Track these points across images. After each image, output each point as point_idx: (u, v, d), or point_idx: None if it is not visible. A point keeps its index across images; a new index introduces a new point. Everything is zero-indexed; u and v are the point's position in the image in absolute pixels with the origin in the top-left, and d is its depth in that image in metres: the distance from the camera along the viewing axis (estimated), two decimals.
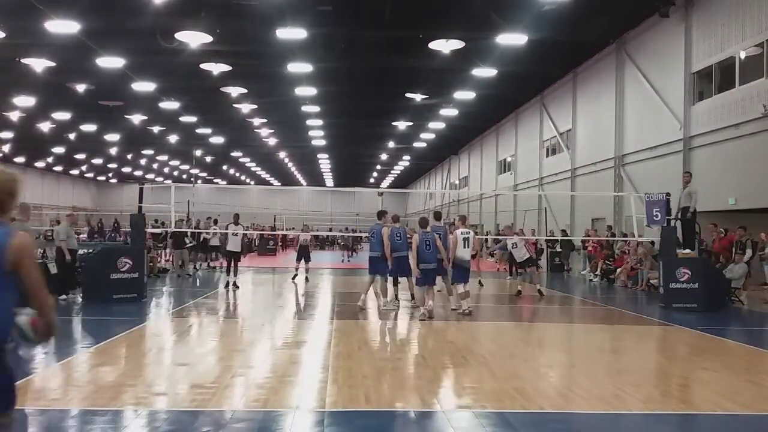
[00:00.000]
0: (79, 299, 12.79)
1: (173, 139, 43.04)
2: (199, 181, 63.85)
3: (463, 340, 9.45)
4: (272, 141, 44.55)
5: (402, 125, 37.25)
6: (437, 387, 6.57)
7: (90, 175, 69.03)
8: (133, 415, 5.28)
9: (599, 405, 5.85)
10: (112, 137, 42.56)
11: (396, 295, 12.87)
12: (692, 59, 18.92)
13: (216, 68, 24.24)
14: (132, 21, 18.58)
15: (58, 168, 61.01)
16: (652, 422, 5.54)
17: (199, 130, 39.84)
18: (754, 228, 15.06)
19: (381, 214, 12.72)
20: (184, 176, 64.23)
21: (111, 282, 12.42)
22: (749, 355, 8.67)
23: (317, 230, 38.94)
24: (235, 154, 52.41)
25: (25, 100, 30.38)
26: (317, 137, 42.13)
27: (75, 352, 7.92)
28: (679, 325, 10.92)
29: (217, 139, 43.30)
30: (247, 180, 71.70)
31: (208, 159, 54.73)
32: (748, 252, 14.28)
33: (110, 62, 23.03)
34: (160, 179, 65.16)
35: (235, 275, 16.15)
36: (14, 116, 34.29)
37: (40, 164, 57.23)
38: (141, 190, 15.34)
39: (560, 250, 23.97)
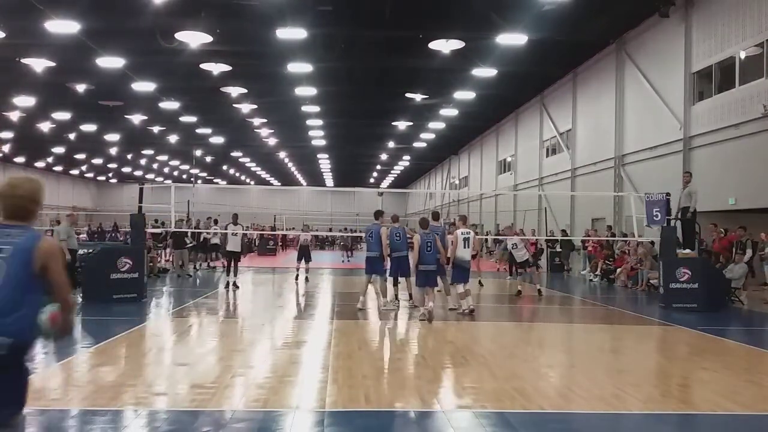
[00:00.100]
0: (79, 299, 12.78)
1: (173, 139, 43.04)
2: (199, 181, 63.85)
3: (463, 340, 9.45)
4: (272, 141, 44.56)
5: (402, 125, 37.25)
6: (437, 387, 6.57)
7: (90, 175, 69.05)
8: (133, 415, 5.28)
9: (599, 405, 5.85)
10: (112, 137, 42.57)
11: (396, 295, 12.88)
12: (692, 59, 18.92)
13: (216, 68, 24.25)
14: (132, 21, 18.59)
15: (58, 168, 61.01)
16: (652, 422, 5.53)
17: (199, 130, 39.84)
18: (754, 228, 15.06)
19: (378, 214, 12.74)
20: (184, 176, 64.23)
21: (111, 282, 12.42)
22: (749, 355, 8.67)
23: (317, 230, 38.97)
24: (235, 154, 52.42)
25: (25, 100, 30.38)
26: (317, 137, 42.14)
27: (75, 352, 7.92)
28: (679, 325, 10.92)
29: (217, 139, 43.31)
30: (247, 180, 71.70)
31: (208, 159, 54.74)
32: (748, 252, 14.27)
33: (110, 62, 23.03)
34: (160, 179, 65.16)
35: (235, 275, 16.15)
36: (14, 116, 34.29)
37: (40, 164, 57.23)
38: (141, 190, 15.34)
39: (560, 250, 23.96)
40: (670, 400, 6.25)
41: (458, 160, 50.83)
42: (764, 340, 10.50)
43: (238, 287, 15.74)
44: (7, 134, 41.03)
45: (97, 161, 57.38)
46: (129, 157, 55.11)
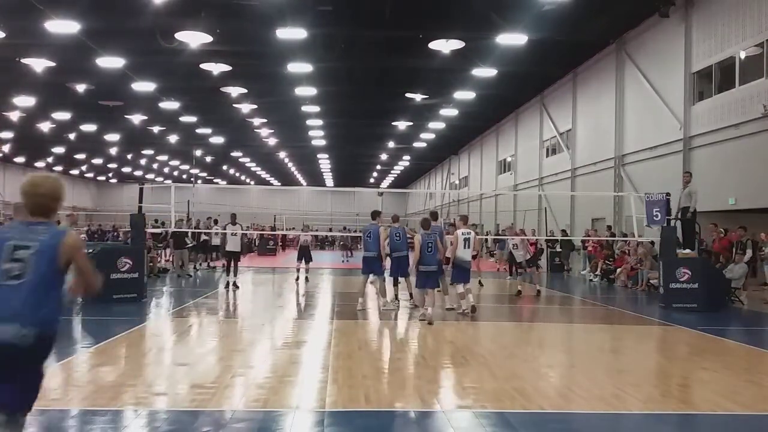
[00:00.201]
0: (79, 299, 12.78)
1: (173, 139, 43.04)
2: (199, 181, 63.84)
3: (463, 340, 9.45)
4: (272, 141, 44.55)
5: (402, 125, 37.25)
6: (437, 387, 6.57)
7: (90, 175, 69.02)
8: (133, 415, 5.28)
9: (599, 405, 5.85)
10: (112, 137, 42.57)
11: (396, 295, 12.88)
12: (692, 59, 18.92)
13: (216, 68, 24.25)
14: (132, 21, 18.59)
15: (58, 168, 60.95)
16: (652, 422, 5.53)
17: (199, 130, 39.84)
18: (754, 228, 15.07)
19: (376, 214, 12.75)
20: (184, 176, 64.22)
21: (111, 282, 12.38)
22: (749, 355, 8.67)
23: (317, 230, 38.92)
24: (235, 154, 52.41)
25: (25, 100, 30.38)
26: (317, 137, 42.14)
27: (75, 352, 7.92)
28: (679, 325, 10.92)
29: (217, 139, 43.31)
30: (247, 180, 71.70)
31: (208, 159, 54.73)
32: (748, 252, 14.27)
33: (110, 62, 23.03)
34: (160, 179, 65.15)
35: (235, 275, 16.15)
36: (14, 116, 34.29)
37: (40, 164, 57.20)
38: (141, 190, 15.34)
39: (560, 250, 23.96)
40: (670, 400, 6.25)
41: (458, 160, 50.82)
42: (764, 340, 10.49)
43: (238, 287, 15.74)
44: (7, 134, 41.02)
45: (97, 161, 57.38)
46: (129, 157, 55.10)
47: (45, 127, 37.64)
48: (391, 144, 45.07)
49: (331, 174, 67.20)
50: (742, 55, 17.01)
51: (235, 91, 28.47)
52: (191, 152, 45.75)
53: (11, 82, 26.95)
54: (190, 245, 19.87)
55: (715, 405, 5.88)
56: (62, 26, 18.75)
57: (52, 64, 23.46)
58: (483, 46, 21.36)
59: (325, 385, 6.27)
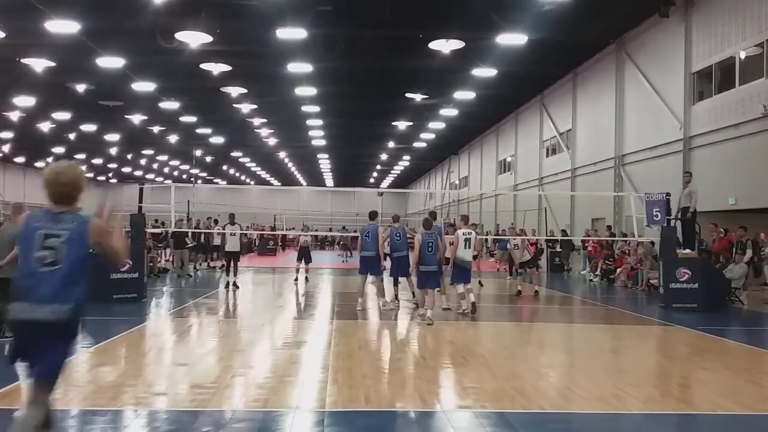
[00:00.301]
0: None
1: (173, 139, 43.03)
2: (199, 181, 63.80)
3: (463, 340, 9.46)
4: (272, 141, 44.54)
5: (402, 125, 37.24)
6: (437, 387, 6.57)
7: (90, 175, 68.96)
8: (133, 415, 5.28)
9: (599, 405, 5.85)
10: (112, 137, 42.56)
11: (396, 295, 12.88)
12: (692, 59, 18.92)
13: (216, 68, 24.24)
14: (132, 21, 18.57)
15: None
16: (652, 422, 5.54)
17: (199, 130, 39.83)
18: (754, 228, 15.07)
19: (374, 215, 12.77)
20: (184, 176, 64.20)
21: (111, 282, 12.40)
22: (749, 355, 8.67)
23: (317, 230, 38.85)
24: (235, 154, 52.40)
25: (25, 100, 30.37)
26: (317, 137, 42.12)
27: (75, 352, 7.91)
28: (679, 325, 10.92)
29: (217, 139, 43.30)
30: (247, 180, 71.69)
31: (208, 159, 54.72)
32: (749, 252, 14.28)
33: (110, 62, 23.02)
34: (160, 179, 65.13)
35: (235, 275, 16.16)
36: (14, 116, 34.28)
37: (40, 164, 57.17)
38: (141, 190, 15.34)
39: (560, 250, 23.97)
40: (670, 400, 6.25)
41: (458, 160, 50.82)
42: (764, 340, 10.49)
43: (238, 287, 15.74)
44: (7, 134, 41.01)
45: (97, 161, 57.35)
46: (129, 157, 55.09)
47: (45, 127, 37.63)
48: (391, 144, 45.06)
49: (331, 174, 67.19)
50: (742, 55, 17.00)
51: (235, 91, 28.46)
52: (191, 152, 45.75)
53: (11, 82, 26.94)
54: (191, 245, 19.87)
55: (715, 405, 5.89)
56: (62, 26, 18.74)
57: (52, 64, 23.45)
58: (483, 46, 21.35)
59: (325, 385, 6.27)
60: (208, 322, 11.16)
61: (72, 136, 41.66)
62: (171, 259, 21.22)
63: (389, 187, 72.29)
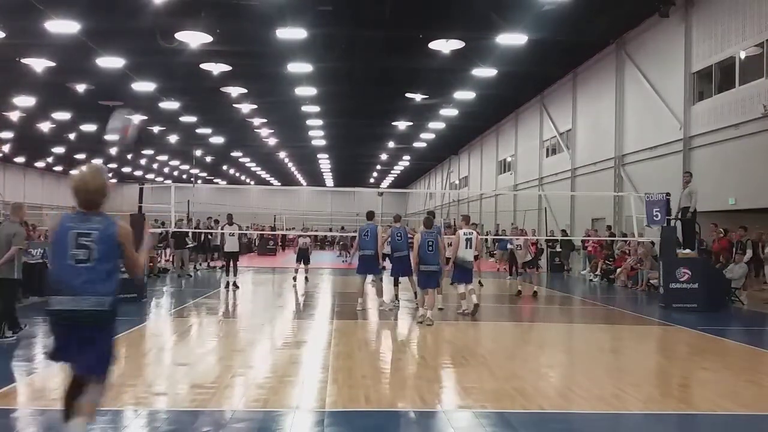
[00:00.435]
0: None
1: (173, 139, 43.03)
2: (199, 181, 63.80)
3: (463, 340, 9.46)
4: (272, 141, 44.54)
5: (402, 125, 37.24)
6: (437, 387, 6.57)
7: None
8: (133, 415, 5.28)
9: (599, 405, 5.85)
10: (112, 137, 42.47)
11: (396, 295, 12.88)
12: (692, 59, 18.92)
13: (216, 68, 24.25)
14: (132, 21, 18.58)
15: (58, 168, 61.00)
16: (652, 422, 5.54)
17: (199, 130, 39.83)
18: (754, 228, 15.07)
19: (371, 215, 12.78)
20: (184, 176, 64.20)
21: None
22: (749, 355, 8.67)
23: (316, 230, 38.84)
24: (235, 154, 52.39)
25: (25, 100, 30.38)
26: (317, 137, 42.12)
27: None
28: (679, 325, 10.92)
29: (217, 139, 43.30)
30: (247, 180, 71.69)
31: (208, 159, 54.71)
32: (749, 252, 14.28)
33: (110, 62, 23.02)
34: (160, 179, 65.13)
35: (235, 275, 16.16)
36: (14, 116, 34.28)
37: (40, 164, 57.21)
38: (141, 190, 15.32)
39: (560, 250, 23.96)
40: (670, 400, 6.25)
41: (458, 160, 50.82)
42: (764, 340, 10.50)
43: (237, 287, 15.74)
44: (7, 134, 41.00)
45: (97, 161, 57.32)
46: (129, 157, 55.07)
47: (45, 127, 37.63)
48: (391, 144, 45.05)
49: (331, 174, 67.18)
50: (742, 55, 17.00)
51: (235, 91, 28.47)
52: (191, 152, 45.74)
53: (11, 82, 26.94)
54: (191, 245, 19.87)
55: (715, 405, 5.89)
56: (62, 26, 18.75)
57: (52, 64, 23.46)
58: (483, 46, 21.36)
59: (325, 385, 6.27)
60: (208, 322, 11.16)
61: (72, 136, 41.65)
62: (171, 259, 21.23)
63: (389, 187, 72.28)
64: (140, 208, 14.55)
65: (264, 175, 68.18)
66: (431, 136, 41.13)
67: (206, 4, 18.11)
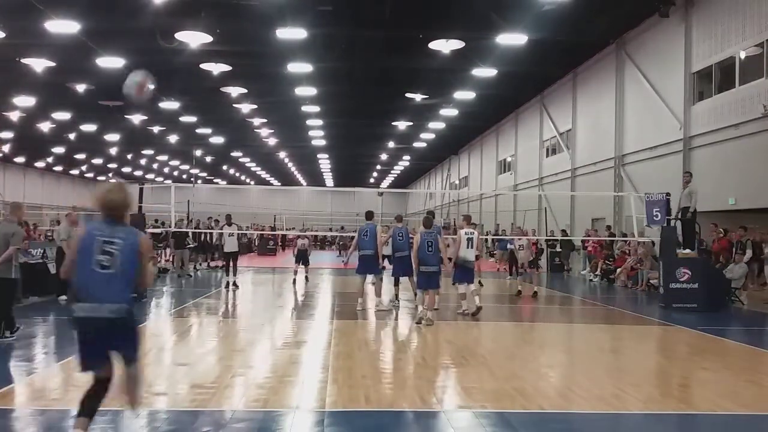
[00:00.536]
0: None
1: (173, 139, 43.03)
2: (199, 181, 63.80)
3: (463, 340, 9.45)
4: (272, 141, 44.54)
5: (402, 125, 37.24)
6: (437, 387, 6.57)
7: (90, 175, 69.00)
8: (133, 415, 5.27)
9: (599, 405, 5.85)
10: (112, 137, 42.56)
11: (396, 295, 12.87)
12: (692, 59, 18.92)
13: (216, 68, 24.25)
14: (132, 21, 18.58)
15: (58, 168, 60.98)
16: (652, 422, 5.54)
17: (199, 130, 39.83)
18: (754, 228, 15.06)
19: (371, 215, 12.77)
20: (184, 176, 64.20)
21: None
22: (749, 355, 8.67)
23: (316, 230, 38.77)
24: (235, 154, 52.40)
25: (25, 100, 30.37)
26: (317, 137, 42.13)
27: (75, 352, 7.90)
28: (679, 325, 10.92)
29: (217, 139, 43.30)
30: (247, 180, 71.69)
31: (208, 159, 54.72)
32: (748, 252, 14.28)
33: (110, 62, 23.01)
34: (160, 179, 65.13)
35: (234, 275, 16.16)
36: (14, 116, 34.28)
37: (40, 164, 57.19)
38: (141, 190, 15.33)
39: (560, 250, 23.96)
40: (670, 400, 6.25)
41: (458, 160, 50.82)
42: (764, 340, 10.50)
43: (237, 287, 15.75)
44: (7, 134, 41.01)
45: (97, 161, 57.35)
46: (129, 157, 55.09)
47: (45, 127, 37.62)
48: (391, 144, 45.06)
49: (331, 174, 67.18)
50: (742, 55, 17.00)
51: (235, 91, 28.47)
52: (191, 152, 45.73)
53: (11, 82, 26.94)
54: (191, 246, 19.87)
55: (715, 405, 5.89)
56: (62, 26, 18.75)
57: (52, 64, 23.46)
58: (483, 46, 21.36)
59: (325, 385, 6.27)
60: (208, 322, 11.16)
61: (72, 136, 41.65)
62: (171, 259, 21.23)
63: (389, 187, 72.28)
64: (140, 208, 14.56)
65: (264, 175, 68.19)
66: (431, 136, 41.13)
67: (206, 4, 18.10)
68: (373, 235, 12.18)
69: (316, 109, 32.44)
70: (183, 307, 12.81)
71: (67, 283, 12.76)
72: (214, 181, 70.17)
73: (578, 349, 9.54)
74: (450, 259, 11.67)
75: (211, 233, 21.52)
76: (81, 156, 54.20)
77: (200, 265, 22.19)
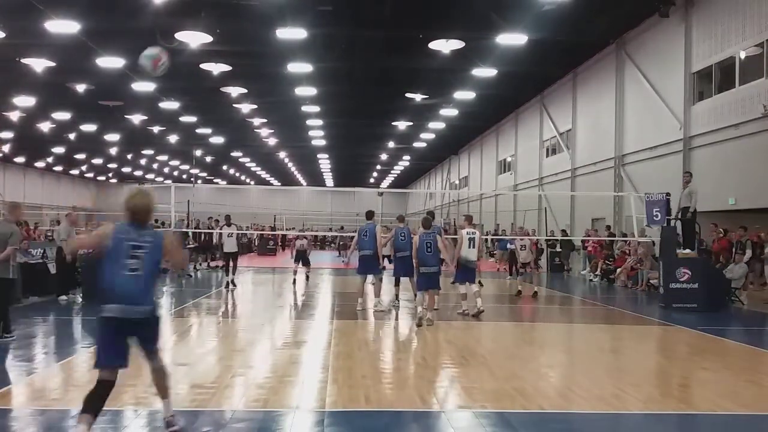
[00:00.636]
0: (79, 299, 12.79)
1: (173, 139, 43.03)
2: (199, 181, 63.79)
3: (463, 340, 9.45)
4: (272, 141, 44.54)
5: (402, 125, 37.24)
6: (437, 387, 6.57)
7: (90, 175, 69.00)
8: (133, 415, 5.29)
9: (599, 405, 5.85)
10: (112, 137, 42.56)
11: (396, 295, 12.87)
12: (692, 59, 18.92)
13: (216, 68, 24.24)
14: (132, 21, 18.56)
15: (58, 168, 60.96)
16: (652, 422, 5.54)
17: (199, 130, 39.82)
18: (754, 228, 15.07)
19: (371, 215, 12.76)
20: (184, 176, 64.19)
21: None
22: (749, 355, 8.67)
23: (316, 230, 38.72)
24: (235, 154, 52.39)
25: (25, 100, 30.36)
26: (317, 137, 42.12)
27: (75, 352, 7.93)
28: (679, 325, 10.92)
29: (217, 139, 43.29)
30: (247, 180, 71.68)
31: (208, 159, 54.71)
32: (748, 252, 14.28)
33: (110, 62, 23.01)
34: (160, 179, 65.11)
35: (234, 274, 16.16)
36: (14, 116, 34.27)
37: (40, 164, 57.17)
38: None
39: (560, 250, 23.96)
40: (670, 400, 6.25)
41: (458, 160, 50.82)
42: (764, 340, 10.50)
43: (235, 286, 15.76)
44: (7, 134, 41.01)
45: (97, 161, 57.36)
46: (129, 157, 55.09)
47: (45, 127, 37.62)
48: (391, 144, 45.05)
49: (331, 174, 67.16)
50: (742, 55, 17.00)
51: (235, 91, 28.46)
52: (191, 152, 45.71)
53: (11, 82, 26.93)
54: (192, 246, 19.86)
55: (715, 405, 5.89)
56: (62, 26, 18.75)
57: (52, 64, 23.45)
58: (483, 46, 21.35)
59: (325, 385, 6.27)
60: (208, 322, 11.17)
61: (72, 136, 41.65)
62: None
63: (389, 187, 72.27)
64: None
65: (264, 175, 68.18)
66: (431, 136, 41.13)
67: (206, 4, 18.10)
68: (373, 235, 12.17)
69: (316, 109, 32.44)
70: (183, 307, 12.82)
71: (66, 284, 12.81)
72: (214, 181, 70.16)
73: (578, 349, 9.54)
74: (449, 259, 11.62)
75: (211, 233, 21.50)
76: (81, 156, 54.20)
77: (200, 265, 22.19)
